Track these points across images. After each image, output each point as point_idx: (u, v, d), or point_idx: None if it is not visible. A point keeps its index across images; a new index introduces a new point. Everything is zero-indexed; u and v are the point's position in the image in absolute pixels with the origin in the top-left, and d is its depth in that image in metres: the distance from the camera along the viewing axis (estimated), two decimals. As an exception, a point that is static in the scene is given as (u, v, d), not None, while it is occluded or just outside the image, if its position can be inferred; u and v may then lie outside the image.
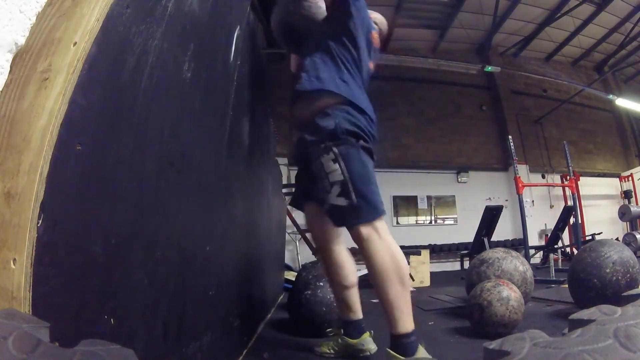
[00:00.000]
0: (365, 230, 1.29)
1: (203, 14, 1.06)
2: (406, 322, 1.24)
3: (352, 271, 1.59)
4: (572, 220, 6.06)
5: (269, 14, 1.87)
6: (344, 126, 1.35)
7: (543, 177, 8.93)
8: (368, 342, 1.58)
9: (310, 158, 1.38)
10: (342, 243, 1.58)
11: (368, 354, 1.57)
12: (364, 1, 1.54)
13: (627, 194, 8.63)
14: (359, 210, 1.30)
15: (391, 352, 1.25)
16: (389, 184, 8.13)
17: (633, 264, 2.14)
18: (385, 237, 1.30)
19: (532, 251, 6.13)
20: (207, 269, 1.13)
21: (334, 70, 1.45)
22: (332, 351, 1.64)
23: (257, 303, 2.16)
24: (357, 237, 1.31)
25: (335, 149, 1.33)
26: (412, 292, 4.31)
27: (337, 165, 1.32)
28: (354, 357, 1.59)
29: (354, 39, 1.48)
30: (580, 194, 7.40)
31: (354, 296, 1.60)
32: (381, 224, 1.31)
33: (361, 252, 1.32)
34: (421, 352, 1.25)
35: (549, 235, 6.77)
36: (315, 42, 1.55)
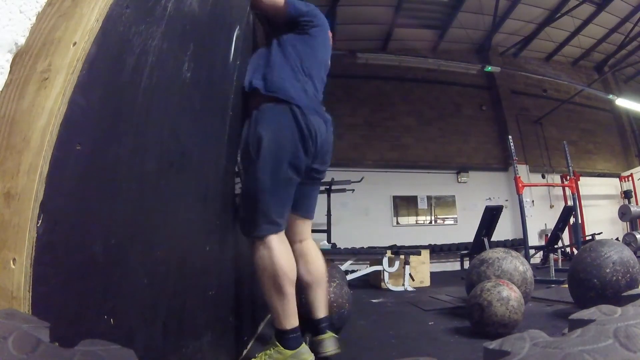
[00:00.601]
0: (253, 240, 1.41)
1: (203, 14, 1.06)
2: (282, 322, 1.37)
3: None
4: (572, 220, 6.06)
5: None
6: (266, 138, 1.37)
7: (543, 177, 8.92)
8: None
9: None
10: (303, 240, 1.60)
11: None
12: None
13: (627, 194, 8.62)
14: (246, 224, 1.42)
15: (275, 341, 1.38)
16: (389, 184, 8.14)
17: (633, 264, 2.14)
18: (274, 247, 1.37)
19: (532, 251, 6.13)
20: (207, 269, 1.13)
21: (277, 69, 1.48)
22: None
23: (257, 303, 2.16)
24: (249, 244, 1.44)
25: (240, 162, 1.42)
26: (411, 292, 4.29)
27: (239, 179, 1.42)
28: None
29: (297, 40, 1.55)
30: (580, 194, 7.40)
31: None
32: (271, 238, 1.38)
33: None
34: (304, 348, 1.39)
35: (549, 235, 6.77)
36: (268, 45, 1.60)
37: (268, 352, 1.38)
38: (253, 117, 1.42)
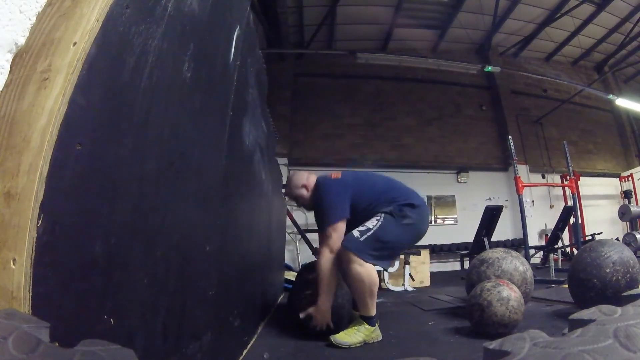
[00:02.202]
0: (361, 262, 1.96)
1: (203, 14, 1.06)
2: (370, 310, 1.98)
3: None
4: (572, 220, 6.06)
5: (269, 14, 1.91)
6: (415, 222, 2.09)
7: (543, 177, 8.92)
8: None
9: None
10: None
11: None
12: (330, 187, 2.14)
13: (627, 194, 8.62)
14: (364, 253, 1.96)
15: (362, 321, 1.97)
16: (389, 184, 8.12)
17: (633, 264, 2.14)
18: (371, 268, 1.97)
19: (532, 251, 6.13)
20: (207, 269, 1.13)
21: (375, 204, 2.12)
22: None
23: (257, 303, 2.16)
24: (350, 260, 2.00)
25: (382, 221, 2.05)
26: (411, 292, 4.35)
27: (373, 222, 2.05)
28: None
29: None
30: (580, 194, 7.40)
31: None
32: (371, 264, 1.99)
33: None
34: (377, 328, 2.00)
35: (549, 235, 6.77)
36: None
37: (356, 327, 1.96)
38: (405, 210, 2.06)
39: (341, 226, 2.02)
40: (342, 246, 1.96)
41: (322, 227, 2.06)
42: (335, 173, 2.25)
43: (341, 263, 1.98)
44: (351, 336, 1.90)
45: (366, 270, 1.92)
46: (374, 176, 2.33)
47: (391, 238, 1.99)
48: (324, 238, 2.05)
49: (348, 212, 2.06)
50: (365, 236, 1.95)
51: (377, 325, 1.99)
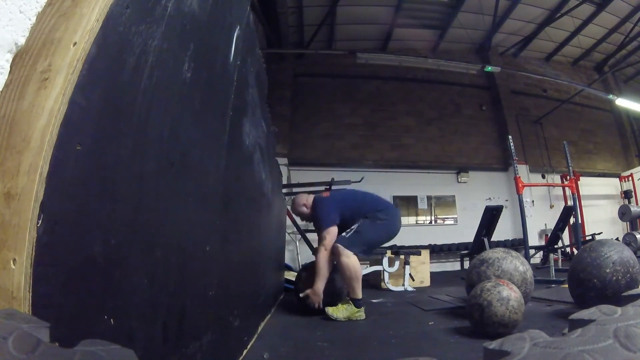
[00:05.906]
0: (349, 253, 2.69)
1: (203, 14, 1.06)
2: (357, 293, 2.62)
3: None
4: (572, 220, 6.06)
5: (269, 14, 1.92)
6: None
7: (543, 177, 8.92)
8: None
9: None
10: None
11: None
12: (326, 204, 2.91)
13: (627, 194, 8.62)
14: (352, 248, 2.70)
15: (350, 302, 2.61)
16: (389, 184, 8.13)
17: (633, 264, 2.13)
18: (354, 258, 2.66)
19: (532, 251, 6.13)
20: (207, 269, 1.13)
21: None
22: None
23: (257, 303, 2.16)
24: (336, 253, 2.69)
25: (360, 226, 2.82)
26: (411, 292, 4.38)
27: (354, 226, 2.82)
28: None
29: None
30: (580, 194, 7.40)
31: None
32: (355, 256, 2.69)
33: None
34: (362, 309, 2.60)
35: (549, 235, 6.77)
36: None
37: (344, 306, 2.58)
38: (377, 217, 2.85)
39: (332, 230, 2.76)
40: (334, 244, 2.66)
41: (319, 232, 2.80)
42: (325, 192, 3.22)
43: (334, 256, 2.65)
44: (340, 312, 2.55)
45: (351, 261, 2.62)
46: (355, 192, 3.22)
47: (368, 235, 2.76)
48: (320, 240, 2.77)
49: (337, 220, 2.80)
50: (349, 235, 2.71)
51: (362, 308, 2.59)
